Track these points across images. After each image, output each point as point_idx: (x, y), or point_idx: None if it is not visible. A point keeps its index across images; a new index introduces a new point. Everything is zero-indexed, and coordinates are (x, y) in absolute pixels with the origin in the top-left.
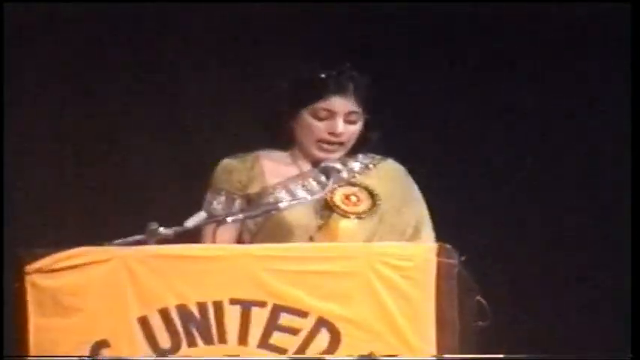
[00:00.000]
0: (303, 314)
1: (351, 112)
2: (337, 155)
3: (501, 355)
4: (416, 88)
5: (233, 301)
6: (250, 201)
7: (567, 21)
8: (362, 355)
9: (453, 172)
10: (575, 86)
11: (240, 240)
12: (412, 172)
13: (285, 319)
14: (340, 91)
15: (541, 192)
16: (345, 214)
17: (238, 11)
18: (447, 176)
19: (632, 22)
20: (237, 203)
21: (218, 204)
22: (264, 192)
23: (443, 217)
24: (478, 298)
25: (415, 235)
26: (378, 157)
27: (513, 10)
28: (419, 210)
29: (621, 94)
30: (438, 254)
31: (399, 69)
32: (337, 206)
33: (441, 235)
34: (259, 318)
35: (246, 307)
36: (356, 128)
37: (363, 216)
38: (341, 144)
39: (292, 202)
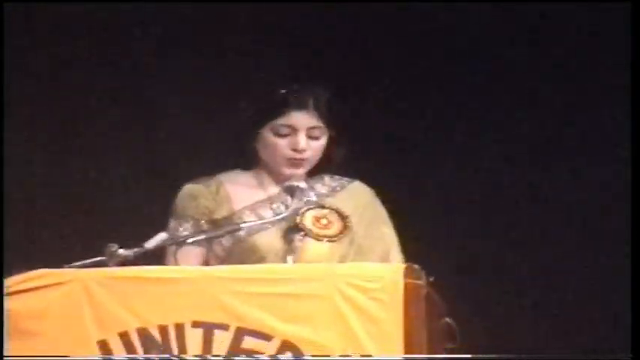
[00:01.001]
0: (267, 337)
1: (312, 128)
2: (302, 170)
3: (469, 355)
4: (384, 105)
5: (195, 324)
6: (217, 226)
7: (567, 20)
8: (362, 355)
9: (421, 191)
10: (574, 87)
11: (206, 265)
12: (380, 192)
13: (248, 342)
14: (300, 106)
15: (531, 191)
16: (316, 237)
17: (209, 30)
18: (415, 196)
19: (632, 22)
20: (205, 228)
21: (184, 231)
22: (231, 217)
23: (411, 237)
24: (446, 319)
25: (384, 258)
26: (346, 179)
27: (511, 10)
28: (387, 233)
29: (621, 95)
30: (406, 275)
31: (370, 85)
32: (308, 229)
33: (409, 256)
34: (222, 341)
35: (208, 329)
36: (320, 144)
37: (334, 239)
38: (305, 160)
39: (256, 223)
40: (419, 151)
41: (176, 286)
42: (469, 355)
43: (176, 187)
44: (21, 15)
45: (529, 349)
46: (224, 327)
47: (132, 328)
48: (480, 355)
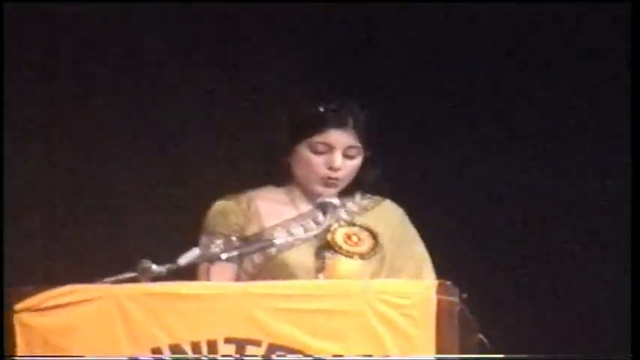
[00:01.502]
0: (299, 353)
1: (350, 147)
2: (335, 190)
3: (501, 355)
4: (417, 127)
5: (227, 340)
6: (249, 243)
7: (566, 20)
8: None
9: (453, 209)
10: (574, 87)
11: (237, 282)
12: (413, 209)
13: (280, 358)
14: (339, 124)
15: (539, 216)
16: (347, 255)
17: (239, 42)
18: (446, 213)
19: (632, 22)
20: (236, 245)
21: (216, 247)
22: (262, 233)
23: (444, 253)
24: (480, 336)
25: (417, 277)
26: (377, 197)
27: (511, 11)
28: (419, 251)
29: (621, 95)
30: (438, 292)
31: (404, 107)
32: (339, 246)
33: (441, 273)
34: (254, 357)
35: (240, 345)
36: (355, 164)
37: (365, 256)
38: (338, 179)
39: (288, 239)
40: (453, 166)
41: (209, 303)
42: (501, 355)
43: (203, 201)
44: (21, 15)
45: (528, 349)
46: (256, 343)
47: (164, 344)
48: (511, 355)
